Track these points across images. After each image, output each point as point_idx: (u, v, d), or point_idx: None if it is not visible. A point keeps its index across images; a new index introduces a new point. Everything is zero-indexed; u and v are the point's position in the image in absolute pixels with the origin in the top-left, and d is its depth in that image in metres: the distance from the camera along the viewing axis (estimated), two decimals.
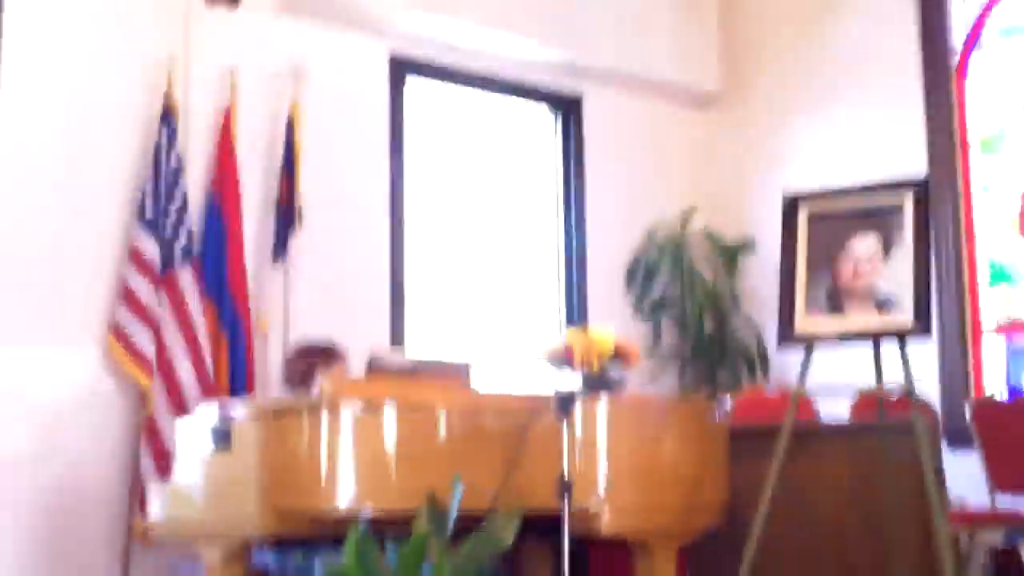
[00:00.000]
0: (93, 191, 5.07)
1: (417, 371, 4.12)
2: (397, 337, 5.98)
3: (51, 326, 4.91)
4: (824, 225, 4.24)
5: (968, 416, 5.29)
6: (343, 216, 5.85)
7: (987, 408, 5.33)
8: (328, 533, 3.75)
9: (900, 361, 4.01)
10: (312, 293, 5.52)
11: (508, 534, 3.48)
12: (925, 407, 4.99)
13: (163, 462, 4.80)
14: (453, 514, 3.50)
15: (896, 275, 4.07)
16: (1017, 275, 6.35)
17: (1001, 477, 5.00)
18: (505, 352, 6.50)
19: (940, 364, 6.42)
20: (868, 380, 4.51)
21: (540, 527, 3.73)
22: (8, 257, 4.83)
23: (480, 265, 6.59)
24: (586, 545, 4.01)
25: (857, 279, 4.13)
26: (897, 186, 4.21)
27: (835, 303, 4.15)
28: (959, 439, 5.38)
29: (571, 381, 4.32)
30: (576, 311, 6.85)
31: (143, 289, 4.95)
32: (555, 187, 6.97)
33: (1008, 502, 5.08)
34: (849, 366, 4.90)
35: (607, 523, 3.76)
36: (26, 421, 4.78)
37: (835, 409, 5.75)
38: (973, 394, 6.35)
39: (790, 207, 4.29)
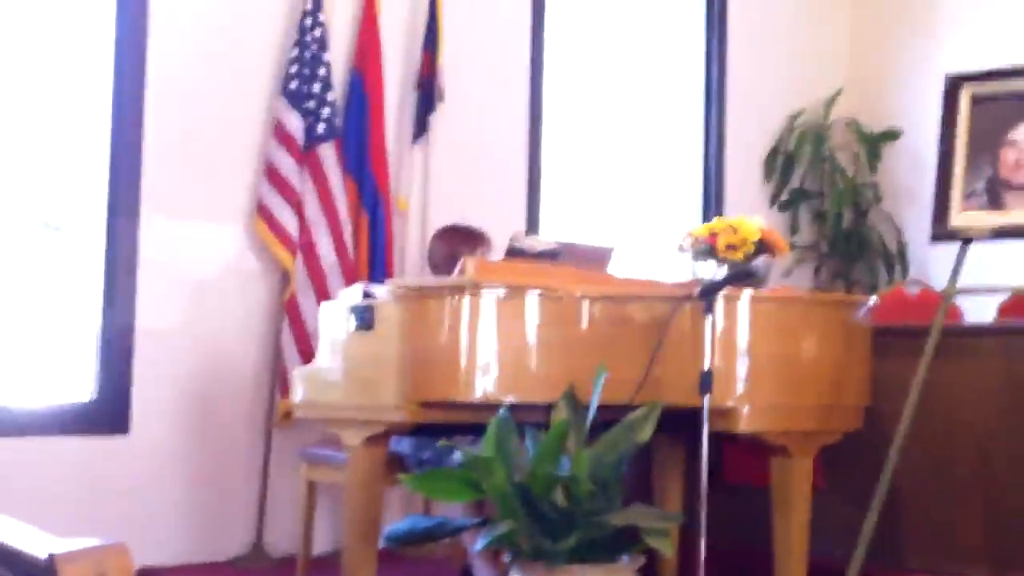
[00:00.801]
0: (240, 64, 5.05)
1: (559, 254, 4.05)
2: (533, 219, 5.95)
3: (199, 200, 4.94)
4: (987, 109, 3.99)
5: None
6: (484, 95, 5.78)
7: None
8: (468, 421, 3.77)
9: None
10: (451, 173, 5.48)
11: (647, 429, 3.45)
12: None
13: (305, 344, 4.84)
14: (595, 405, 3.49)
15: None
16: None
17: None
18: (644, 240, 6.43)
19: None
20: (1016, 278, 4.33)
21: (673, 422, 3.69)
22: (160, 131, 4.84)
23: (620, 150, 6.49)
24: (720, 443, 3.95)
25: (1020, 171, 3.90)
26: None
27: (994, 196, 3.93)
28: None
29: (714, 271, 4.24)
30: (714, 199, 6.73)
31: (287, 165, 4.92)
32: (698, 70, 6.81)
33: None
34: (996, 264, 4.73)
35: (745, 421, 3.66)
36: (173, 295, 4.86)
37: (980, 310, 5.59)
38: None
39: (952, 89, 4.05)
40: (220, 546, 4.94)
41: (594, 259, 4.20)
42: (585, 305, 3.75)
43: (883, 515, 3.73)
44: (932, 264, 6.62)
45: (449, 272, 4.26)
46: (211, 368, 4.94)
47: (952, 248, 3.96)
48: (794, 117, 6.99)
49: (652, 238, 6.46)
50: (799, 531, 3.76)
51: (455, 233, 4.50)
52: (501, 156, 5.85)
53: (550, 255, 4.06)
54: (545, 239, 4.45)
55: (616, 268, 4.26)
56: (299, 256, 4.96)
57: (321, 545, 4.97)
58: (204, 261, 4.94)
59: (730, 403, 3.66)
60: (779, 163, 6.94)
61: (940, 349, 3.88)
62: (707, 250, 4.31)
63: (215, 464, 4.95)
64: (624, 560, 3.35)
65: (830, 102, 6.99)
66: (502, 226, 4.98)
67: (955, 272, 3.92)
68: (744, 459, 4.34)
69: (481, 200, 5.58)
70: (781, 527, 3.77)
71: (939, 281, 4.28)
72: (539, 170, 6.00)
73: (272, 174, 4.95)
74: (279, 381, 4.92)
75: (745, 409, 3.68)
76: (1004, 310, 5.44)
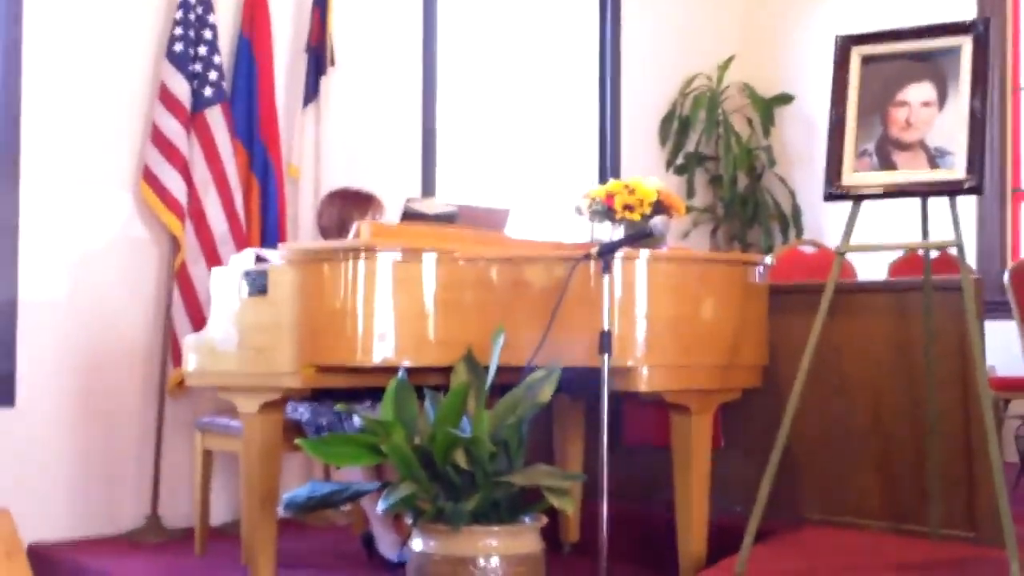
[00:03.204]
0: (122, 26, 4.90)
1: (456, 217, 4.00)
2: (429, 183, 5.88)
3: (82, 166, 4.79)
4: (877, 70, 3.98)
5: (1007, 280, 5.19)
6: (377, 58, 5.69)
7: None
8: (365, 385, 3.71)
9: (951, 218, 3.86)
10: (344, 137, 5.38)
11: (548, 390, 3.43)
12: (969, 268, 4.88)
13: (196, 312, 4.75)
14: (494, 367, 3.45)
15: (950, 126, 3.86)
16: None
17: None
18: (540, 203, 6.41)
19: (978, 224, 6.33)
20: (906, 237, 4.38)
21: (573, 383, 3.67)
22: (38, 95, 4.68)
23: (514, 113, 6.44)
24: (619, 402, 3.94)
25: (910, 130, 3.90)
26: (956, 28, 3.95)
27: (885, 155, 3.94)
28: (990, 306, 5.28)
29: (612, 232, 4.22)
30: (610, 163, 6.74)
31: (173, 129, 4.78)
32: (593, 34, 6.79)
33: None
34: (888, 222, 4.80)
35: (645, 381, 3.65)
36: (58, 265, 4.72)
37: (873, 269, 5.68)
38: (1010, 258, 6.26)
39: (842, 51, 4.06)
40: (114, 519, 4.83)
41: (491, 222, 4.16)
42: (483, 267, 3.71)
43: (781, 470, 3.75)
44: (826, 225, 6.74)
45: (339, 237, 4.19)
46: (100, 338, 4.81)
47: (845, 208, 3.97)
48: (688, 82, 7.03)
49: (549, 201, 6.44)
50: (700, 487, 3.77)
51: (345, 197, 4.42)
52: (395, 120, 5.77)
53: (447, 218, 4.01)
54: (442, 202, 4.40)
55: (514, 231, 4.23)
56: (189, 224, 4.85)
57: (218, 516, 4.90)
58: (89, 229, 4.80)
59: (630, 363, 3.64)
60: (674, 127, 6.98)
61: (834, 306, 3.89)
62: (604, 211, 4.29)
63: (107, 436, 4.83)
64: (526, 520, 3.33)
65: (723, 67, 7.04)
66: (397, 190, 4.92)
67: (848, 230, 3.95)
68: (642, 419, 4.35)
69: (375, 165, 5.52)
70: (682, 484, 3.77)
71: (833, 241, 4.32)
72: (434, 133, 5.93)
73: (158, 138, 4.81)
74: (170, 350, 4.82)
75: (645, 369, 3.66)
76: (895, 268, 5.53)
